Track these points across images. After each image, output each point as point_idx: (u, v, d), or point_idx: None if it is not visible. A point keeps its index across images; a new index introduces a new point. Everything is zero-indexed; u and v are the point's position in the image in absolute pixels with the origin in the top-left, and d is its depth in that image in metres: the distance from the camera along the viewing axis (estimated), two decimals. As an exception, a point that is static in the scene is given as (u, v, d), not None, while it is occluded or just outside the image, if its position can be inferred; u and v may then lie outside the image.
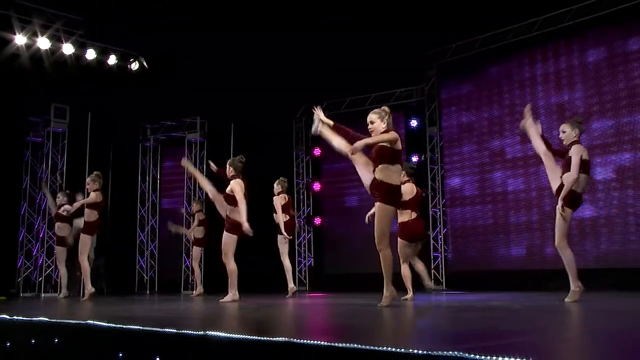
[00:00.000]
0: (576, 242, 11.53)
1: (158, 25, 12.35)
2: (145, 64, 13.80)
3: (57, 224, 11.37)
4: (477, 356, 2.10)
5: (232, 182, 9.05)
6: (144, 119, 16.48)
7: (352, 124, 15.55)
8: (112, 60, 13.42)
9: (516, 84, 13.49)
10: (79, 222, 10.70)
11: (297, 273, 15.96)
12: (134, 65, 13.74)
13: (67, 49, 12.53)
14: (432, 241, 14.24)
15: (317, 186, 16.27)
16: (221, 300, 8.47)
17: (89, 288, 9.96)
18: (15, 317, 4.80)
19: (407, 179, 8.75)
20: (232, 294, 8.69)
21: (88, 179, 10.30)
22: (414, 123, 15.14)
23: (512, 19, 13.16)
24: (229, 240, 8.87)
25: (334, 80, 14.56)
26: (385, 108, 6.95)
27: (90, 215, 10.11)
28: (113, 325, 3.81)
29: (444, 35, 13.84)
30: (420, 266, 9.18)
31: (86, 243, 10.06)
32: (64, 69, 12.65)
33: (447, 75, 14.67)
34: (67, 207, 10.94)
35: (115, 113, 14.94)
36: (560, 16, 12.61)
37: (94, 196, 10.13)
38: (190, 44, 12.89)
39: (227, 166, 9.24)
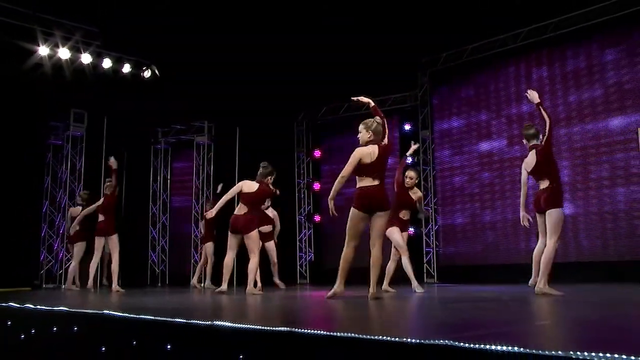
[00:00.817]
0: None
1: (168, 36, 12.43)
2: (157, 72, 13.89)
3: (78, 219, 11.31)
4: (466, 344, 2.05)
5: None
6: (156, 123, 16.48)
7: (350, 128, 15.74)
8: (126, 68, 13.51)
9: (502, 91, 13.64)
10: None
11: (298, 267, 16.12)
12: (147, 73, 13.83)
13: (85, 58, 12.65)
14: (424, 237, 14.38)
15: (317, 186, 16.37)
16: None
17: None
18: (38, 307, 4.84)
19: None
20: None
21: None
22: (407, 126, 15.20)
23: (499, 30, 13.29)
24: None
25: (333, 87, 14.60)
26: (377, 118, 6.95)
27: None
28: (127, 315, 3.82)
29: (435, 44, 13.94)
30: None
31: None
32: (83, 77, 12.74)
33: (438, 82, 14.80)
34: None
35: (129, 118, 14.99)
36: (543, 28, 12.79)
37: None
38: (198, 53, 12.98)
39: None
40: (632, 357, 1.59)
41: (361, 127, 6.93)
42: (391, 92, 15.16)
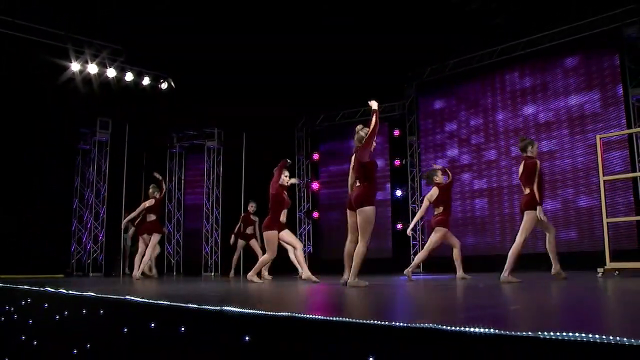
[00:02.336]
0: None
1: (183, 53, 12.57)
2: (172, 84, 13.99)
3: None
4: (449, 327, 2.00)
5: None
6: (171, 130, 16.62)
7: (345, 133, 15.92)
8: (146, 81, 13.65)
9: (480, 101, 13.79)
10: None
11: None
12: (164, 85, 13.95)
13: (111, 72, 12.83)
14: (411, 232, 14.44)
15: (315, 185, 16.44)
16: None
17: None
18: (70, 292, 4.89)
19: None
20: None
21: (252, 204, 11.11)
22: (396, 132, 15.32)
23: (477, 47, 13.44)
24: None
25: (329, 97, 14.76)
26: (364, 128, 6.75)
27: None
28: (146, 300, 3.83)
29: (421, 59, 14.13)
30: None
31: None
32: (108, 89, 12.90)
33: (424, 92, 14.94)
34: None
35: (148, 124, 15.17)
36: (514, 47, 12.97)
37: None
38: (209, 68, 13.09)
39: None
40: (597, 336, 1.65)
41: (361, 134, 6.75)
42: (381, 102, 15.09)
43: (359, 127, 6.70)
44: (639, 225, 11.02)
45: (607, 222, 8.38)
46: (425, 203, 8.87)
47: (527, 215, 6.88)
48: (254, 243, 11.73)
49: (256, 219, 11.91)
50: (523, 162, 7.18)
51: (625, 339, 1.60)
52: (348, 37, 12.34)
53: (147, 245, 10.27)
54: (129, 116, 14.36)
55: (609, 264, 8.20)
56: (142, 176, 16.01)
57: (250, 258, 11.83)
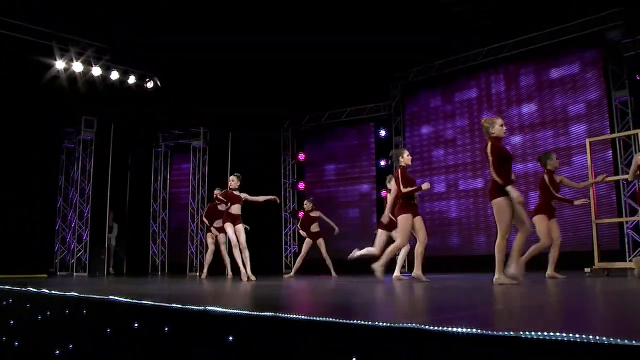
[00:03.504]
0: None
1: (169, 52, 12.50)
2: (158, 83, 13.91)
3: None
4: (431, 327, 2.01)
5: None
6: (157, 129, 16.52)
7: (331, 133, 15.91)
8: (131, 80, 13.52)
9: (465, 102, 13.85)
10: None
11: (283, 259, 16.18)
12: (149, 84, 13.85)
13: (96, 71, 12.68)
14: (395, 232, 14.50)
15: (301, 185, 16.45)
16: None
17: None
18: (53, 292, 4.85)
19: None
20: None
21: (232, 177, 9.70)
22: (382, 133, 15.40)
23: (463, 48, 13.49)
24: None
25: (316, 97, 14.76)
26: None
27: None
28: (130, 300, 3.80)
29: (407, 60, 14.15)
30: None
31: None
32: (93, 88, 12.77)
33: (410, 93, 15.01)
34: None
35: (133, 123, 15.08)
36: (501, 48, 13.04)
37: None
38: (195, 67, 13.03)
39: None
40: (577, 336, 1.66)
41: None
42: (368, 102, 15.32)
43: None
44: (620, 226, 11.12)
45: (596, 223, 8.49)
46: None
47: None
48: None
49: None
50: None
51: (604, 338, 1.61)
52: (334, 38, 12.33)
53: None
54: (114, 115, 14.25)
55: (597, 264, 8.30)
56: (127, 175, 15.96)
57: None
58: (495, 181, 5.98)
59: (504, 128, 6.28)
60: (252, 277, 8.90)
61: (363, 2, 11.28)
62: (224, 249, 11.13)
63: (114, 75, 13.15)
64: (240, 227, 9.31)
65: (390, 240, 8.69)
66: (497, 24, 12.26)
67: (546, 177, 7.88)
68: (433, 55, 14.00)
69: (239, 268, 9.14)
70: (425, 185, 7.88)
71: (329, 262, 11.45)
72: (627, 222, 10.96)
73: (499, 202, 5.94)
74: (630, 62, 11.53)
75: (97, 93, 12.86)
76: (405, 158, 8.10)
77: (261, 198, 10.03)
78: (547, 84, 12.60)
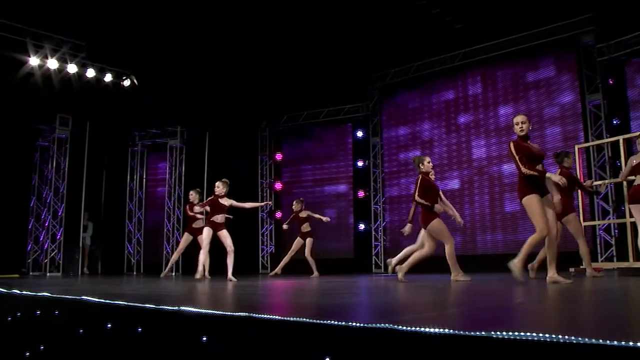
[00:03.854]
0: (495, 232, 12.03)
1: (146, 50, 12.38)
2: (135, 81, 13.79)
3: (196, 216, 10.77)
4: (404, 327, 2.01)
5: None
6: (133, 127, 16.38)
7: (308, 134, 15.92)
8: (108, 78, 13.37)
9: (443, 103, 13.95)
10: None
11: (260, 259, 16.13)
12: (126, 83, 13.71)
13: (72, 68, 12.52)
14: (372, 232, 14.56)
15: (278, 185, 16.42)
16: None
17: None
18: (24, 292, 4.78)
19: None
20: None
21: (218, 183, 9.45)
22: (359, 134, 15.42)
23: (440, 51, 13.58)
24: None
25: (294, 97, 14.72)
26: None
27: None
28: (103, 300, 3.76)
29: (385, 61, 14.19)
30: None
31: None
32: (68, 85, 12.61)
33: (387, 94, 15.07)
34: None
35: (110, 122, 14.92)
36: (477, 50, 13.14)
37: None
38: (173, 66, 12.93)
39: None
40: (547, 335, 1.67)
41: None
42: (346, 103, 15.35)
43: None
44: (593, 228, 11.28)
45: (584, 225, 8.62)
46: None
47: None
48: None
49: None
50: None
51: (573, 338, 1.63)
52: (313, 38, 12.34)
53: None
54: (90, 113, 14.10)
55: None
56: (102, 174, 15.80)
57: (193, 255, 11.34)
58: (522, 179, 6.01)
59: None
60: (233, 279, 8.87)
61: (344, 3, 11.28)
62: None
63: (90, 73, 13.00)
64: (225, 232, 9.30)
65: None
66: (474, 27, 12.36)
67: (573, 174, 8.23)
68: (411, 57, 14.06)
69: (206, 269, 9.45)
70: (437, 208, 7.92)
71: (311, 261, 11.47)
72: (599, 225, 11.17)
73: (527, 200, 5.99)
74: (603, 66, 11.72)
75: (73, 91, 12.70)
76: (426, 165, 8.16)
77: (249, 205, 9.99)
78: (523, 86, 12.75)
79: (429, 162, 8.19)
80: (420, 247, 8.26)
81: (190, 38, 12.04)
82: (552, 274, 5.85)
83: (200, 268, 9.57)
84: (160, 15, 11.27)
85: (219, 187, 9.39)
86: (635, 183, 7.63)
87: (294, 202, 12.03)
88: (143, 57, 12.74)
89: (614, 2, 11.19)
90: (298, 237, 11.76)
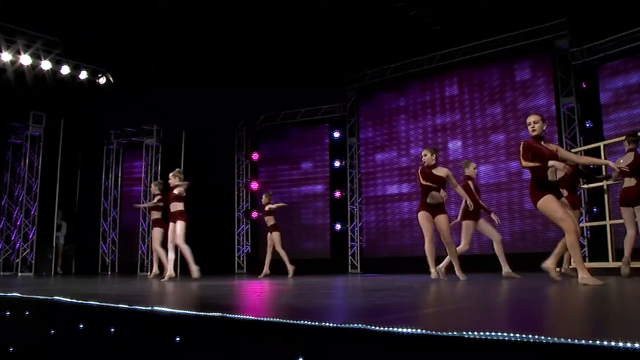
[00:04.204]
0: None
1: (122, 47, 12.27)
2: (111, 79, 13.65)
3: (154, 211, 10.70)
4: (377, 328, 2.00)
5: None
6: (109, 126, 16.23)
7: (285, 134, 15.89)
8: (83, 75, 13.21)
9: (419, 105, 14.05)
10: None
11: (236, 259, 16.08)
12: (102, 80, 13.56)
13: (46, 65, 12.33)
14: (349, 232, 14.59)
15: (254, 185, 16.37)
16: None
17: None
18: None
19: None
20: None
21: (170, 175, 9.49)
22: (336, 134, 15.44)
23: (417, 52, 13.66)
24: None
25: (271, 97, 14.72)
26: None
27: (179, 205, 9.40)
28: (75, 300, 3.69)
29: (362, 62, 14.25)
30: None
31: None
32: (42, 82, 12.42)
33: (364, 95, 15.11)
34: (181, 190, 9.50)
35: (85, 120, 14.74)
36: (454, 53, 13.24)
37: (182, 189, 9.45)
38: (149, 64, 12.82)
39: None
40: (525, 336, 1.68)
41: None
42: (323, 103, 15.36)
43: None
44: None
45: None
46: None
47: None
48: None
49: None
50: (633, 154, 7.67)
51: (542, 338, 1.64)
52: (291, 39, 12.35)
53: None
54: (64, 111, 13.92)
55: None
56: (77, 173, 15.61)
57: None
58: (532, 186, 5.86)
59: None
60: (173, 275, 8.93)
61: (322, 4, 11.30)
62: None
63: (65, 70, 12.81)
64: (179, 224, 9.21)
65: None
66: (451, 30, 12.47)
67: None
68: (388, 59, 14.14)
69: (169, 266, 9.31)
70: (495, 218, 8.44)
71: (283, 254, 11.42)
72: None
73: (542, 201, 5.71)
74: (577, 70, 11.92)
75: (47, 88, 12.52)
76: (471, 170, 8.53)
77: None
78: (499, 89, 12.88)
79: (474, 168, 8.60)
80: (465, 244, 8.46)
81: (168, 36, 11.97)
82: (583, 274, 5.46)
83: (170, 266, 9.56)
84: (136, 12, 11.18)
85: (172, 179, 9.47)
86: (624, 186, 7.74)
87: (264, 195, 12.05)
88: (119, 54, 12.63)
89: (588, 7, 11.38)
90: (268, 233, 11.75)
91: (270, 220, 11.60)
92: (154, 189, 10.89)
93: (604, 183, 8.80)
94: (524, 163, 5.77)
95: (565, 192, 7.72)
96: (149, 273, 11.35)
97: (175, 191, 9.35)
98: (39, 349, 3.54)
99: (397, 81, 14.43)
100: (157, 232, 9.99)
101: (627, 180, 7.66)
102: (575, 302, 3.92)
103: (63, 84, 12.89)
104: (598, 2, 11.10)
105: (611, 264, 8.78)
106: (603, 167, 8.90)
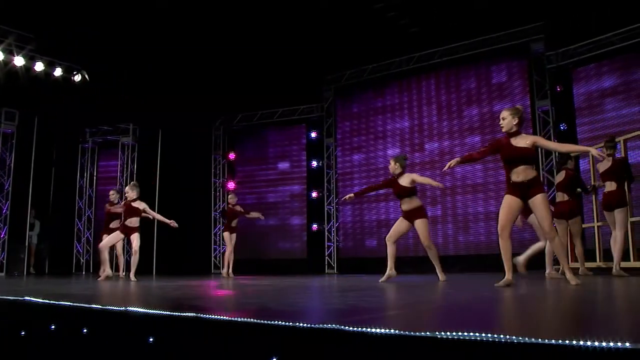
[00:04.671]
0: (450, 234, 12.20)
1: (98, 45, 12.13)
2: (86, 76, 13.47)
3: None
4: (350, 328, 2.01)
5: None
6: (84, 124, 16.05)
7: (262, 134, 15.84)
8: (58, 72, 12.97)
9: (397, 106, 14.10)
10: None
11: (212, 259, 16.00)
12: (77, 77, 13.36)
13: (18, 61, 12.07)
14: (326, 233, 14.60)
15: (231, 185, 16.30)
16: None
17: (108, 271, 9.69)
18: None
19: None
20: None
21: (127, 188, 9.75)
22: (314, 134, 15.43)
23: (395, 54, 13.71)
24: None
25: (248, 96, 14.68)
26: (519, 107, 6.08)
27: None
28: (47, 301, 3.64)
29: (340, 63, 14.27)
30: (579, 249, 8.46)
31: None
32: (15, 79, 12.19)
33: (342, 96, 15.13)
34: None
35: (59, 118, 14.55)
36: (432, 54, 13.34)
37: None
38: (125, 61, 12.72)
39: None
40: (497, 335, 1.70)
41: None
42: (300, 103, 15.34)
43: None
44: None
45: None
46: None
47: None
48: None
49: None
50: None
51: (514, 338, 1.66)
52: (268, 38, 12.33)
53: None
54: (38, 108, 13.73)
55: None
56: (51, 171, 15.41)
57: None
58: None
59: None
60: (134, 279, 9.04)
61: (299, 4, 11.30)
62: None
63: (39, 66, 12.54)
64: (135, 235, 9.42)
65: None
66: (429, 31, 12.54)
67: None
68: (366, 59, 14.17)
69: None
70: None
71: (231, 258, 11.56)
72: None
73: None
74: (552, 73, 12.09)
75: (20, 84, 12.30)
76: (569, 163, 8.51)
77: (159, 217, 9.90)
78: (476, 90, 13.00)
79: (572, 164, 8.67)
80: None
81: (144, 34, 11.87)
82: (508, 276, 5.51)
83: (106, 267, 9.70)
84: (113, 8, 11.07)
85: (129, 192, 9.63)
86: (606, 190, 7.95)
87: (230, 195, 12.06)
88: (95, 52, 12.48)
89: (563, 12, 11.54)
90: (227, 232, 11.81)
91: (236, 222, 11.69)
92: (115, 196, 11.07)
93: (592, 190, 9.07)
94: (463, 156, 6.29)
95: (565, 197, 7.98)
96: (119, 273, 11.28)
97: (134, 205, 9.50)
98: (9, 350, 3.50)
99: (374, 82, 14.48)
100: (115, 236, 9.84)
101: (609, 184, 7.89)
102: (549, 303, 3.97)
103: (37, 80, 12.67)
104: (573, 7, 11.25)
105: (599, 264, 8.99)
106: (592, 180, 9.19)
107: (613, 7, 10.96)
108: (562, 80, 12.15)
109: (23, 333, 3.42)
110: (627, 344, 1.54)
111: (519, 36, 12.37)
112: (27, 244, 13.93)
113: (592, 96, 11.62)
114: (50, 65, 12.87)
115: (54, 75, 12.97)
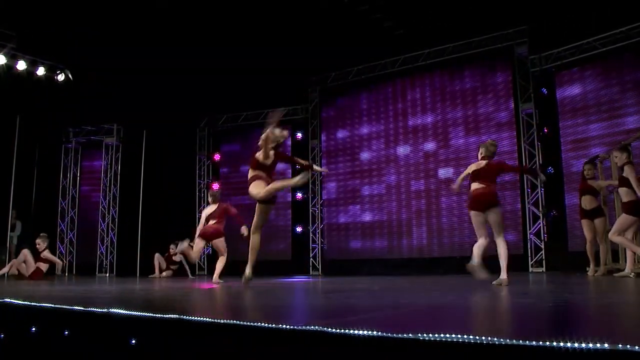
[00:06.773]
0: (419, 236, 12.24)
1: (82, 44, 12.03)
2: (70, 75, 13.36)
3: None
4: (334, 330, 2.01)
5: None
6: (67, 124, 15.91)
7: (247, 134, 15.80)
8: (40, 71, 12.87)
9: (382, 108, 14.12)
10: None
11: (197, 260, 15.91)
12: (60, 77, 13.25)
13: (0, 59, 11.95)
14: (310, 234, 14.58)
15: (215, 186, 16.20)
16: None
17: None
18: None
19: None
20: None
21: (39, 240, 11.18)
22: (299, 136, 15.39)
23: (381, 56, 13.74)
24: None
25: (233, 97, 14.66)
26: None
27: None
28: (27, 302, 3.64)
29: (325, 64, 14.27)
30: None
31: None
32: (-4, 77, 12.08)
33: (327, 97, 15.12)
34: None
35: (42, 117, 14.41)
36: (417, 57, 13.39)
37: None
38: (109, 61, 12.61)
39: None
40: (479, 337, 1.70)
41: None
42: (285, 105, 15.28)
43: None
44: (524, 233, 11.73)
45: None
46: None
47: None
48: None
49: None
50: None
51: (496, 339, 1.67)
52: (253, 40, 12.31)
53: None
54: (20, 108, 13.57)
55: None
56: (33, 171, 15.26)
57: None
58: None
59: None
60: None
61: (284, 6, 11.29)
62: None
63: (21, 65, 12.41)
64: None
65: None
66: (415, 34, 12.58)
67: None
68: (351, 61, 14.18)
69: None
70: None
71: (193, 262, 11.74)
72: (530, 228, 11.66)
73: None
74: (535, 77, 12.20)
75: (1, 83, 12.15)
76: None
77: (51, 257, 11.48)
78: (461, 93, 13.05)
79: None
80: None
81: (129, 32, 11.79)
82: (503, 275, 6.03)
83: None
84: (98, 8, 11.00)
85: (40, 244, 11.32)
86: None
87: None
88: (78, 51, 12.38)
89: (547, 16, 11.64)
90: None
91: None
92: (43, 244, 11.61)
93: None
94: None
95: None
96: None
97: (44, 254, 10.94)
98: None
99: (360, 84, 14.49)
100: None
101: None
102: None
103: (19, 79, 12.53)
104: (557, 11, 11.35)
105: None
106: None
107: (596, 12, 11.09)
108: (546, 84, 12.26)
109: (2, 336, 3.38)
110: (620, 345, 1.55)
111: (503, 39, 12.45)
112: (7, 245, 13.76)
113: (575, 99, 11.73)
114: (32, 64, 12.74)
115: (36, 75, 12.85)
